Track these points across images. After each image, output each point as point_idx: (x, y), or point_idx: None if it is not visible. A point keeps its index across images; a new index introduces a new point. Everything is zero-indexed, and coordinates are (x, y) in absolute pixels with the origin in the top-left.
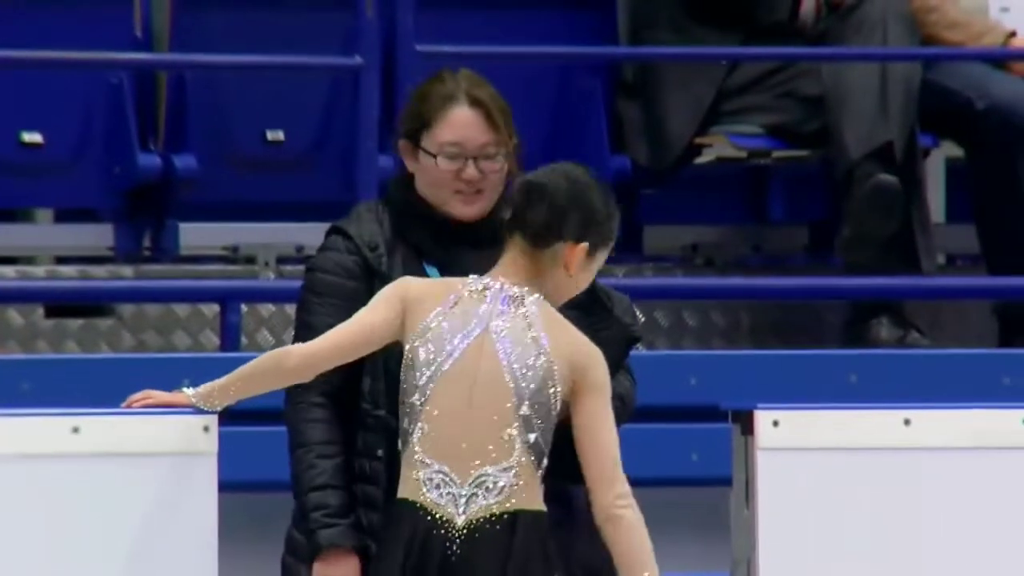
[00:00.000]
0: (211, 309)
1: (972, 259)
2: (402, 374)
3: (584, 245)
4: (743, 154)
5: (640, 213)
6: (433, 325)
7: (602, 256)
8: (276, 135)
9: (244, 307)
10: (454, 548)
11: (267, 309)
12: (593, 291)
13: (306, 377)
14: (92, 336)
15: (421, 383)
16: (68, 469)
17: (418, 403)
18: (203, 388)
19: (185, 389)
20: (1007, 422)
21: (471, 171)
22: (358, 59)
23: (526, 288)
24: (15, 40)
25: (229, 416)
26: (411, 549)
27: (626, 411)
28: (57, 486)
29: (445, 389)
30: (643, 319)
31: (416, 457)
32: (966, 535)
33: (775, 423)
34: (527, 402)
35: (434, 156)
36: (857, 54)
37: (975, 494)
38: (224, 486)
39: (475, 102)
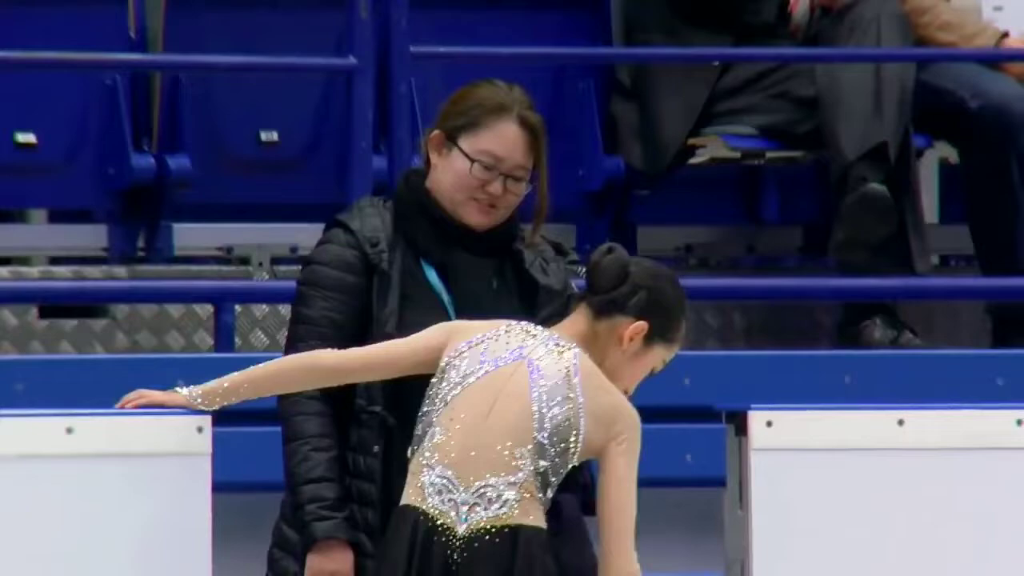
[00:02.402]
0: (205, 310)
1: (966, 259)
2: (431, 385)
3: (643, 324)
4: (737, 155)
5: (633, 214)
6: (474, 346)
7: (660, 352)
8: (270, 136)
9: (238, 308)
10: (454, 557)
11: (261, 310)
12: None
13: (337, 381)
14: (86, 337)
15: (444, 392)
16: (62, 470)
17: (437, 409)
18: (204, 387)
19: (179, 389)
20: (1001, 423)
21: (497, 186)
22: (352, 60)
23: (575, 344)
24: (9, 41)
25: (223, 417)
26: (413, 553)
27: None
28: (51, 487)
29: (467, 399)
30: None
31: (423, 461)
32: (960, 536)
33: (769, 424)
34: (547, 432)
35: (470, 160)
36: (851, 55)
37: (969, 495)
38: (218, 487)
39: (525, 123)
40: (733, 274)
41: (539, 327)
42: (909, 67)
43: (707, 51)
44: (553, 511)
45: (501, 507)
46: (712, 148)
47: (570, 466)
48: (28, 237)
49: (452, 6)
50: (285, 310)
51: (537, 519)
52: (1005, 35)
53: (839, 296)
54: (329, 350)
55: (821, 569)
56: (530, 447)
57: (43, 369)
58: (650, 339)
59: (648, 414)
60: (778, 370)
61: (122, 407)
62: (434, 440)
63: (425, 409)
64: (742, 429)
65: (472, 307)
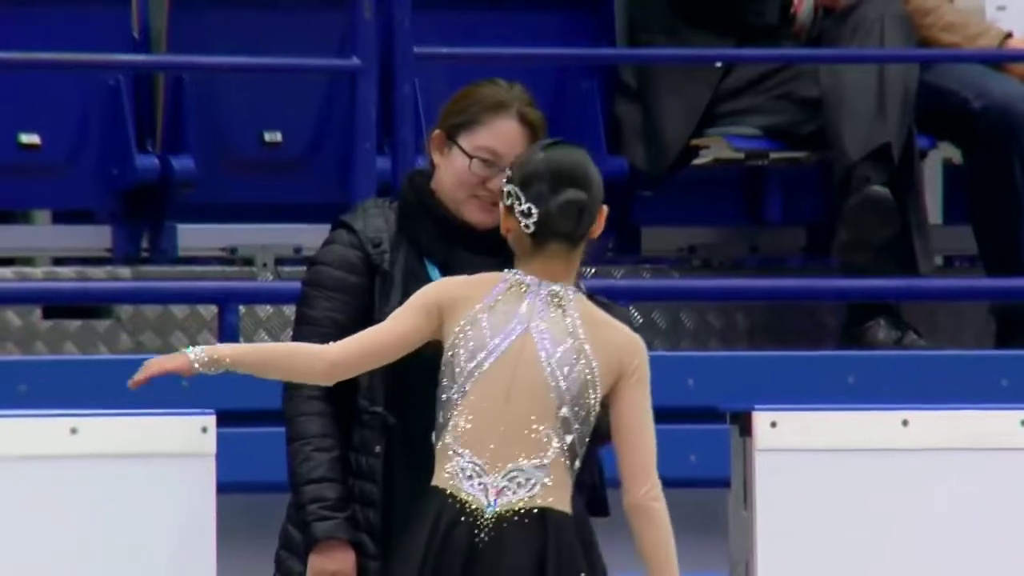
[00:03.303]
0: (209, 310)
1: (969, 260)
2: (441, 370)
3: (598, 224)
4: (740, 156)
5: (637, 214)
6: (474, 323)
7: None
8: (274, 136)
9: (242, 308)
10: (482, 536)
11: (265, 310)
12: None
13: (328, 383)
14: (90, 337)
15: (460, 379)
16: (66, 470)
17: (455, 398)
18: (210, 352)
19: (186, 349)
20: (1005, 423)
21: (497, 183)
22: (355, 60)
23: (563, 284)
24: (12, 42)
25: (227, 418)
26: (436, 531)
27: None
28: (55, 487)
29: (484, 385)
30: (640, 320)
31: (449, 450)
32: (964, 536)
33: (773, 424)
34: (567, 405)
35: (469, 157)
36: (854, 56)
37: (973, 495)
38: (223, 487)
39: (525, 120)
40: (736, 275)
41: (529, 277)
42: (912, 68)
43: (710, 52)
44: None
45: (531, 489)
46: (716, 149)
47: (591, 423)
48: (32, 238)
49: (456, 7)
50: (289, 311)
51: (564, 503)
52: (1009, 35)
53: (843, 297)
54: (327, 347)
55: (825, 569)
56: (557, 424)
57: (47, 370)
58: None
59: (652, 414)
60: (782, 371)
61: (135, 385)
62: (458, 427)
63: (444, 396)
64: (746, 430)
65: None
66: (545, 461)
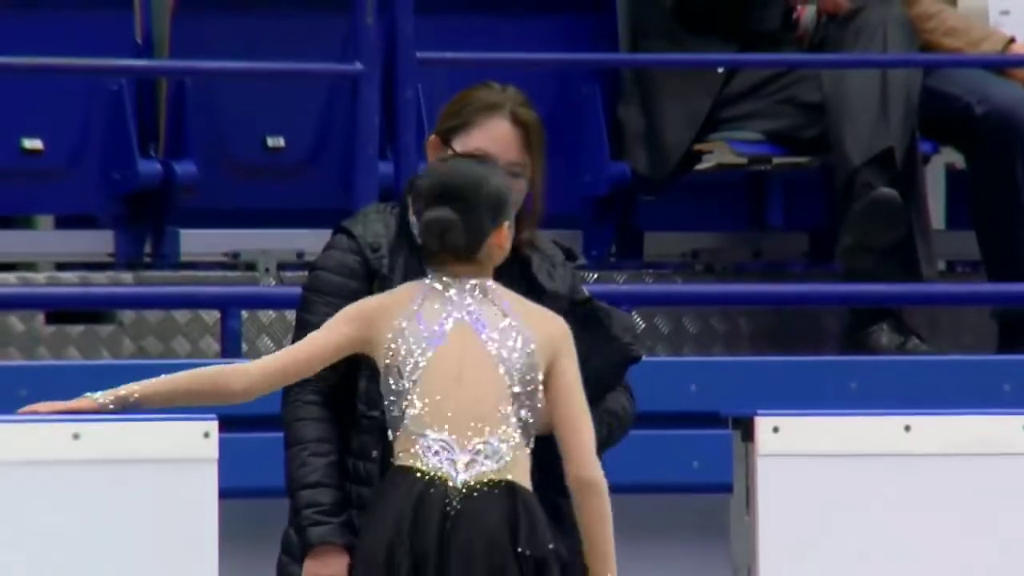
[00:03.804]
0: (211, 315)
1: (972, 265)
2: (382, 377)
3: (502, 226)
4: (743, 160)
5: (640, 220)
6: (407, 324)
7: (513, 208)
8: (276, 141)
9: (244, 313)
10: (453, 503)
11: (267, 315)
12: (590, 308)
13: (247, 399)
14: (93, 342)
15: (406, 373)
16: (68, 476)
17: (406, 389)
18: (116, 393)
19: (90, 395)
20: (1008, 428)
21: None
22: (358, 65)
23: (481, 279)
24: (15, 46)
25: (229, 423)
26: (406, 505)
27: (622, 428)
28: (57, 493)
29: (433, 372)
30: (643, 326)
31: (411, 435)
32: (967, 541)
33: (775, 429)
34: (517, 382)
35: None
36: (857, 61)
37: (976, 500)
38: (225, 493)
39: (517, 120)
40: (739, 280)
41: (445, 278)
42: (915, 73)
43: (712, 57)
44: (555, 514)
45: (498, 462)
46: (718, 154)
47: (539, 403)
48: (34, 243)
49: (458, 11)
50: (291, 316)
51: (527, 481)
52: (1011, 40)
53: (845, 302)
54: (246, 365)
55: (828, 574)
56: (511, 400)
57: (49, 375)
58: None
59: (654, 420)
60: (784, 376)
61: (26, 413)
62: (415, 414)
63: (393, 395)
64: (749, 435)
65: None
66: (506, 436)
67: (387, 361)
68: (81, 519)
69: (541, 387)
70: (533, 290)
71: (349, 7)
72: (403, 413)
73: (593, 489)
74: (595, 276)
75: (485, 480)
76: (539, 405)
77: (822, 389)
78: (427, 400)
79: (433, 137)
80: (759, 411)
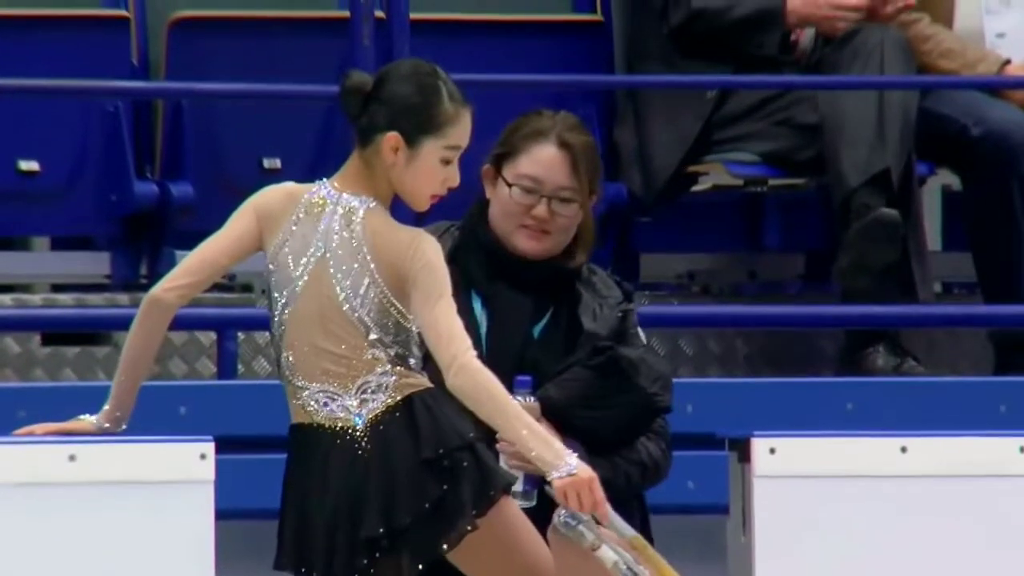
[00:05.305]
0: (208, 337)
1: (968, 287)
2: (269, 288)
3: (394, 134)
4: (739, 182)
5: (636, 241)
6: (281, 249)
7: (433, 148)
8: (272, 163)
9: (241, 335)
10: (363, 445)
11: (264, 337)
12: (610, 356)
13: (182, 304)
14: (89, 364)
15: (276, 313)
16: (64, 497)
17: (278, 334)
18: (103, 411)
19: (84, 417)
20: (1004, 450)
21: (541, 209)
22: None
23: (362, 196)
24: (11, 68)
25: (226, 444)
26: (316, 463)
27: (646, 477)
28: (54, 514)
29: (298, 320)
30: None
31: (293, 385)
32: (964, 563)
33: (772, 450)
34: (374, 330)
35: (509, 186)
36: (853, 82)
37: (972, 522)
38: (221, 513)
39: (564, 144)
40: (735, 301)
41: (327, 187)
42: (912, 94)
43: (711, 78)
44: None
45: (387, 391)
46: (714, 175)
47: (409, 325)
48: (30, 264)
49: (455, 33)
50: None
51: (419, 381)
52: (1007, 62)
53: (841, 323)
54: (165, 281)
55: None
56: (374, 348)
57: (45, 396)
58: (412, 142)
59: None
60: (780, 397)
61: (21, 434)
62: (290, 362)
63: (271, 330)
64: (745, 456)
65: (506, 341)
66: (385, 369)
67: (269, 280)
68: (77, 541)
69: (403, 317)
70: (574, 328)
71: (346, 29)
72: (279, 359)
73: (468, 372)
74: None
75: (383, 410)
76: (407, 328)
77: (818, 410)
78: (297, 355)
79: (487, 167)
80: (755, 432)
